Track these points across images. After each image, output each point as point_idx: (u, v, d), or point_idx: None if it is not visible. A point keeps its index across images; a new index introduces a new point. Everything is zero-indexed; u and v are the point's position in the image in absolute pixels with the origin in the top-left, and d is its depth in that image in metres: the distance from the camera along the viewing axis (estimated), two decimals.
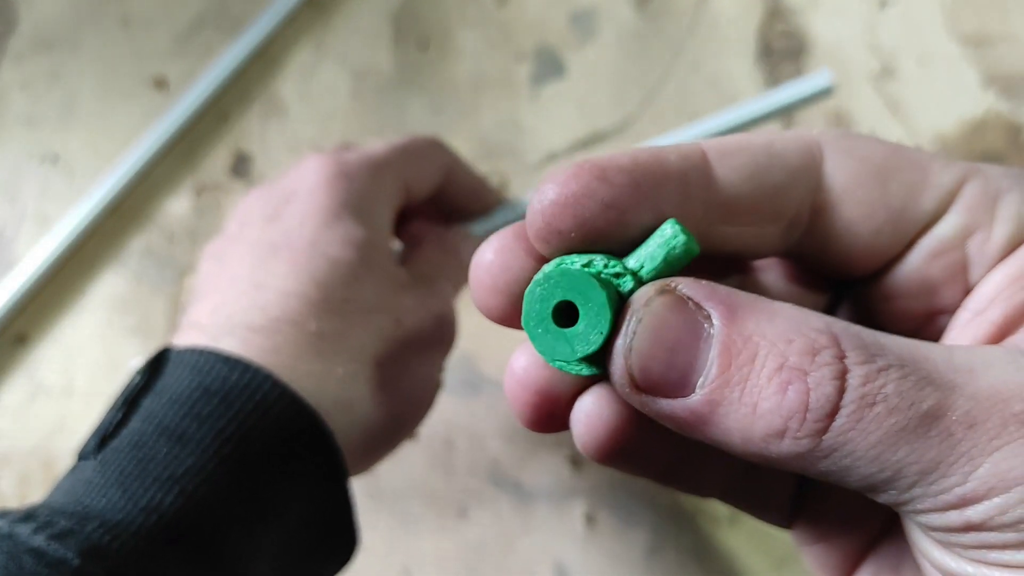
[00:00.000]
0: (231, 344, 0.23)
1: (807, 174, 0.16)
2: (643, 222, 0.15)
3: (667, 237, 0.15)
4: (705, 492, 0.20)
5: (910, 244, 0.16)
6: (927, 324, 0.17)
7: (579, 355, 0.15)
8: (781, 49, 0.54)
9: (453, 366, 0.47)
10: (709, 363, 0.14)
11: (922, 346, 0.14)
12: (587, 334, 0.15)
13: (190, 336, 0.24)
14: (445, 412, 0.46)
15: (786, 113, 0.30)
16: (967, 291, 0.16)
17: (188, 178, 0.52)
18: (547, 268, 0.15)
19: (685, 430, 0.15)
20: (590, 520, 0.44)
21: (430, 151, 0.31)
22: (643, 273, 0.15)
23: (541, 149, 0.52)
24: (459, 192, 0.33)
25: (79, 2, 0.57)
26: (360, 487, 0.45)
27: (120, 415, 0.23)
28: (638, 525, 0.43)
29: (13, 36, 0.56)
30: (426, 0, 0.56)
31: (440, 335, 0.28)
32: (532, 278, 0.15)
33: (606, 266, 0.15)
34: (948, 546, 0.14)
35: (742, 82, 0.53)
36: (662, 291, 0.14)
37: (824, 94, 0.29)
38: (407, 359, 0.26)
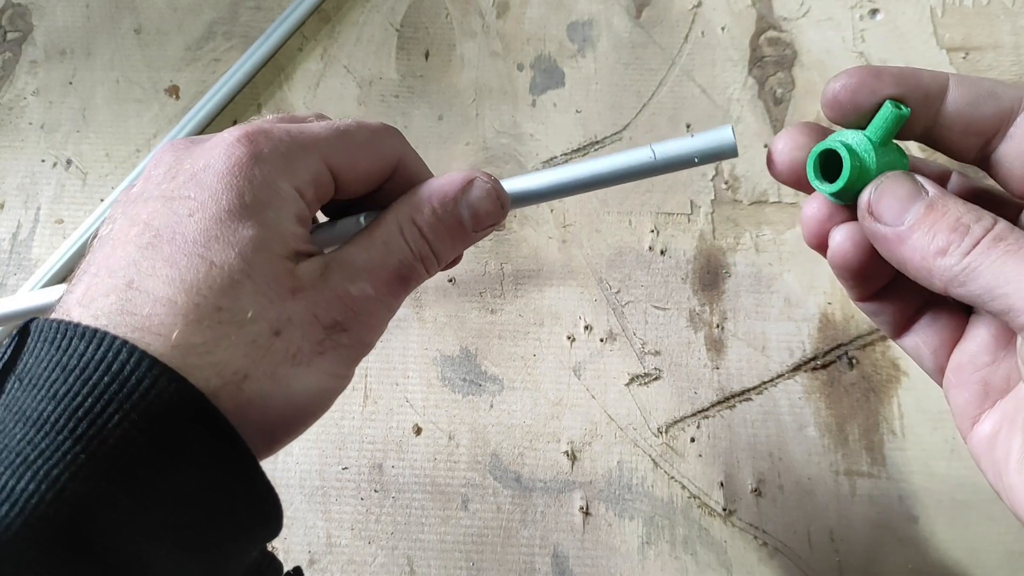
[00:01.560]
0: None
1: (1008, 113, 0.24)
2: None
3: (886, 112, 0.24)
4: (881, 315, 0.29)
5: None
6: None
7: (829, 191, 0.25)
8: (772, 57, 0.55)
9: (455, 363, 0.48)
10: (918, 209, 0.23)
11: None
12: (836, 183, 0.25)
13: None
14: (447, 407, 0.47)
15: (678, 168, 0.27)
16: None
17: None
18: (818, 145, 0.25)
19: (888, 248, 0.24)
20: (587, 512, 0.45)
21: (374, 139, 0.27)
22: (873, 136, 0.25)
23: (541, 155, 0.53)
24: (406, 189, 0.29)
25: (93, 12, 0.59)
26: (365, 480, 0.46)
27: None
28: (633, 517, 0.45)
29: (28, 44, 0.58)
30: (429, 11, 0.58)
31: (333, 342, 0.25)
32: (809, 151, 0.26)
33: (852, 139, 0.25)
34: None
35: (735, 89, 0.54)
36: (904, 174, 0.24)
37: (728, 153, 0.26)
38: (283, 371, 0.24)
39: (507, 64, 0.56)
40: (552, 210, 0.52)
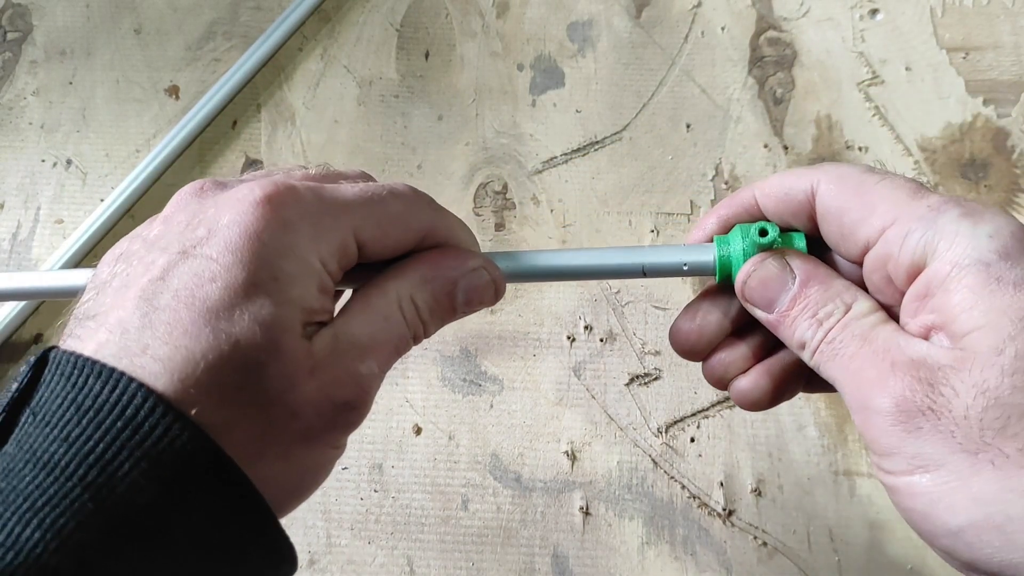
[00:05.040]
0: None
1: (807, 204, 0.27)
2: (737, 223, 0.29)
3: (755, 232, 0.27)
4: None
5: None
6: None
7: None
8: (772, 57, 0.55)
9: (455, 363, 0.48)
10: (783, 301, 0.26)
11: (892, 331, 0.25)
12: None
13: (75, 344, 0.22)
14: (447, 407, 0.47)
15: (658, 275, 0.29)
16: (901, 293, 0.25)
17: None
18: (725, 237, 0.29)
19: (768, 328, 0.27)
20: (587, 512, 0.45)
21: (405, 213, 0.27)
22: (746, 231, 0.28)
23: (540, 155, 0.53)
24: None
25: (93, 12, 0.59)
26: (365, 481, 0.46)
27: None
28: (633, 517, 0.45)
29: (28, 44, 0.58)
30: (429, 11, 0.58)
31: (343, 420, 0.25)
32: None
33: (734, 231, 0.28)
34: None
35: (735, 89, 0.54)
36: (777, 255, 0.27)
37: (707, 271, 0.28)
38: (295, 450, 0.23)
39: (507, 64, 0.56)
40: (552, 210, 0.52)
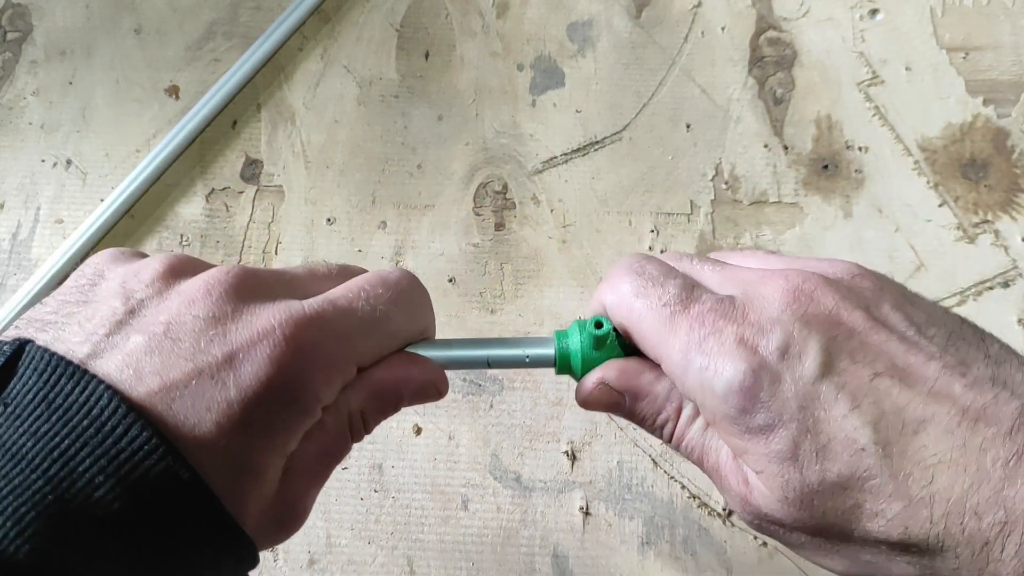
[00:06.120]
0: None
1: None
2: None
3: (591, 327, 0.29)
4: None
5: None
6: None
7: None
8: (772, 57, 0.55)
9: None
10: (625, 413, 0.29)
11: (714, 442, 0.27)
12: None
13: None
14: (447, 407, 0.47)
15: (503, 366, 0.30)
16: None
17: (199, 183, 0.53)
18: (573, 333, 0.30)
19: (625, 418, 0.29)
20: (587, 512, 0.45)
21: (404, 323, 0.28)
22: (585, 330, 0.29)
23: (540, 155, 0.53)
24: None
25: (93, 12, 0.59)
26: (365, 481, 0.46)
27: None
28: (633, 517, 0.45)
29: (28, 44, 0.58)
30: (429, 11, 0.58)
31: (269, 541, 0.26)
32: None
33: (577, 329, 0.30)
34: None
35: (735, 89, 0.54)
36: (599, 382, 0.28)
37: (548, 363, 0.29)
38: None
39: (507, 64, 0.56)
40: (552, 210, 0.52)
